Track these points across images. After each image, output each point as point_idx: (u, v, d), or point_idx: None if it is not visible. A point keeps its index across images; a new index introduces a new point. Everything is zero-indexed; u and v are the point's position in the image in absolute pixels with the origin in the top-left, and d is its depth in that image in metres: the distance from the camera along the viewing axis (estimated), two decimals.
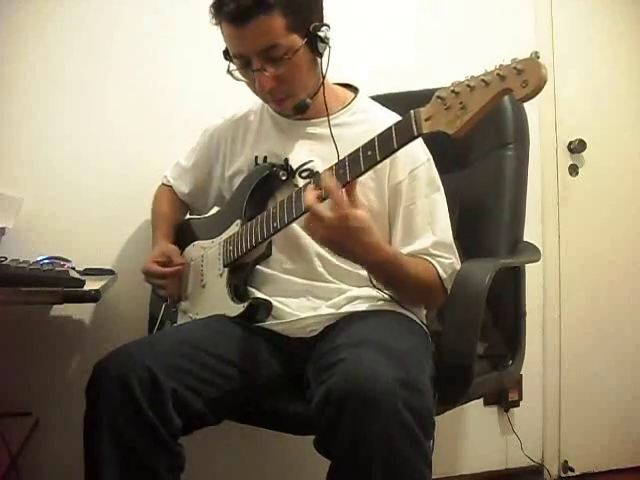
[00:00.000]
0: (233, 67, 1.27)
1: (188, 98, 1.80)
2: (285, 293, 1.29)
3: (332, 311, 1.25)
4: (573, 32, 2.16)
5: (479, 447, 2.09)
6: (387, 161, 1.12)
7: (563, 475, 2.16)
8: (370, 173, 1.13)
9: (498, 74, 0.92)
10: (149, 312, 1.54)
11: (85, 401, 1.08)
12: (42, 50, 1.72)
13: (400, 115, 1.28)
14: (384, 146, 1.05)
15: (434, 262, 1.24)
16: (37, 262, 1.43)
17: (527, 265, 1.53)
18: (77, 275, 1.29)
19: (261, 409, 1.25)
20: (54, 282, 1.17)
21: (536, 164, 2.03)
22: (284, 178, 1.32)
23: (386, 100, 1.44)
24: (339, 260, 1.28)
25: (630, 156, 2.24)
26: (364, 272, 1.26)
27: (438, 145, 1.13)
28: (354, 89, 1.40)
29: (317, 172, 1.28)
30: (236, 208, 1.36)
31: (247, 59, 1.22)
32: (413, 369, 1.01)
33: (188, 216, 1.62)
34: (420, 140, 1.08)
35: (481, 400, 2.05)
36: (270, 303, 1.27)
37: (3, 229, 1.60)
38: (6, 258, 1.37)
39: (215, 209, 1.58)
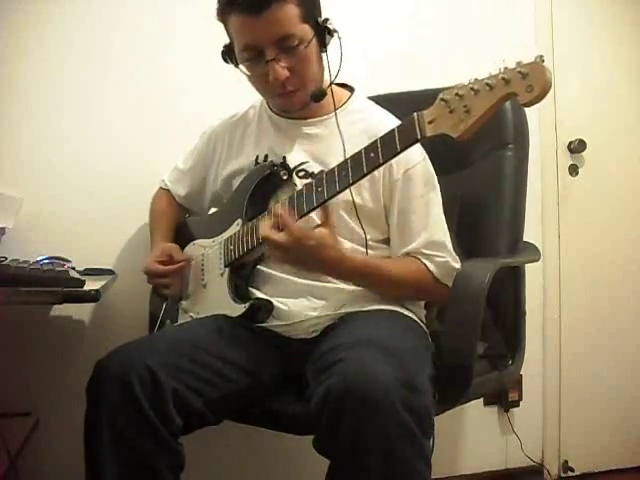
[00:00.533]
0: (240, 61, 1.26)
1: (188, 98, 1.80)
2: (285, 293, 1.29)
3: (332, 311, 1.25)
4: (573, 32, 2.16)
5: (479, 447, 2.09)
6: None
7: (563, 475, 2.16)
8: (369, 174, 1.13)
9: (503, 78, 0.92)
10: (149, 312, 1.54)
11: (85, 401, 1.08)
12: (42, 50, 1.72)
13: (397, 116, 1.30)
14: (387, 148, 1.06)
15: (425, 260, 1.25)
16: (37, 262, 1.43)
17: (527, 265, 1.53)
18: (77, 275, 1.30)
19: (261, 409, 1.24)
20: (54, 282, 1.17)
21: (536, 164, 2.03)
22: (285, 177, 1.32)
23: (385, 100, 1.44)
24: None
25: (630, 156, 2.24)
26: None
27: (438, 145, 1.13)
28: (350, 89, 1.40)
29: (312, 172, 1.29)
30: (237, 207, 1.35)
31: (259, 51, 1.22)
32: (412, 369, 1.01)
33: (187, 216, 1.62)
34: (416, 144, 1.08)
35: (481, 400, 2.05)
36: (271, 303, 1.27)
37: (3, 229, 1.60)
38: (6, 258, 1.37)
39: (214, 209, 1.58)
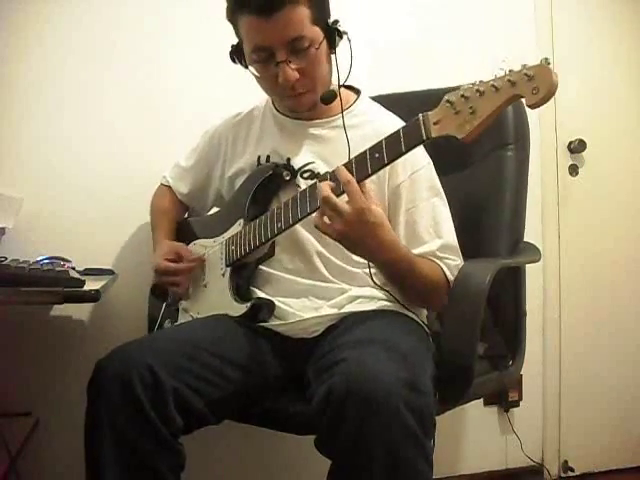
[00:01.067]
0: (250, 62, 1.26)
1: (188, 98, 1.80)
2: (287, 293, 1.29)
3: (334, 311, 1.25)
4: (573, 32, 2.17)
5: (479, 447, 2.09)
6: None
7: (563, 475, 2.16)
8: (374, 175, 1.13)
9: (508, 80, 0.93)
10: (148, 312, 1.54)
11: (85, 401, 1.08)
12: (42, 50, 1.72)
13: (402, 116, 1.30)
14: (392, 149, 1.06)
15: (441, 264, 1.24)
16: (37, 262, 1.43)
17: (527, 265, 1.53)
18: (77, 275, 1.29)
19: (262, 409, 1.25)
20: (54, 282, 1.17)
21: (536, 164, 2.03)
22: (287, 178, 1.32)
23: (387, 100, 1.44)
24: (340, 260, 1.29)
25: (630, 156, 2.24)
26: (365, 271, 1.26)
27: (438, 146, 1.13)
28: (356, 91, 1.40)
29: (319, 173, 1.29)
30: (238, 207, 1.35)
31: (270, 52, 1.21)
32: (414, 369, 1.01)
33: (187, 216, 1.62)
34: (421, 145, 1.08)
35: (481, 400, 2.05)
36: (273, 303, 1.27)
37: (3, 229, 1.60)
38: (6, 258, 1.37)
39: (215, 209, 1.58)
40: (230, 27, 1.27)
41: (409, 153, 1.07)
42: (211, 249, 1.40)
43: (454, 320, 1.19)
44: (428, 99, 1.03)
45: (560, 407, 2.16)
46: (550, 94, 0.89)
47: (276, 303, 1.27)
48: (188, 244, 1.47)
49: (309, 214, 1.16)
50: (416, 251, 1.23)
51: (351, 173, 1.08)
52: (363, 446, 0.93)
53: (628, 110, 2.24)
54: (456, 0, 2.06)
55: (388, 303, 1.27)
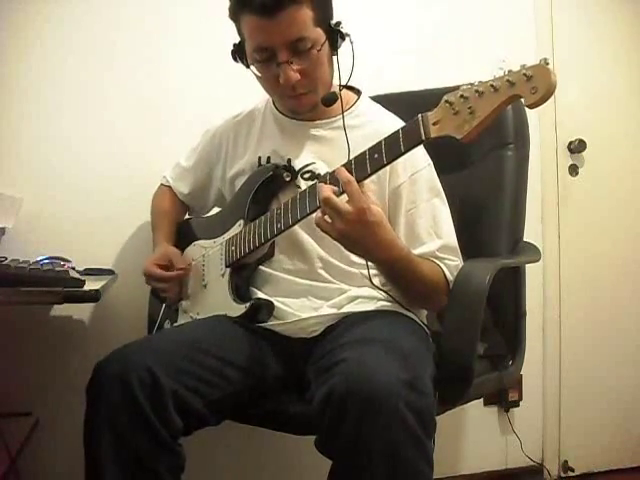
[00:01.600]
0: (252, 62, 1.26)
1: (188, 98, 1.80)
2: (286, 293, 1.29)
3: (333, 311, 1.25)
4: (573, 32, 2.17)
5: (479, 447, 2.09)
6: None
7: (563, 475, 2.16)
8: (373, 175, 1.13)
9: (507, 80, 0.93)
10: (148, 312, 1.54)
11: (85, 401, 1.08)
12: (42, 50, 1.72)
13: (402, 116, 1.30)
14: (391, 149, 1.06)
15: (441, 264, 1.24)
16: (37, 262, 1.43)
17: (527, 265, 1.53)
18: (77, 275, 1.29)
19: (262, 409, 1.25)
20: (54, 282, 1.17)
21: (536, 164, 2.03)
22: (288, 179, 1.32)
23: (387, 100, 1.44)
24: (340, 261, 1.29)
25: (630, 156, 2.24)
26: (364, 272, 1.26)
27: (438, 146, 1.13)
28: (356, 91, 1.40)
29: (319, 174, 1.29)
30: (239, 208, 1.35)
31: (271, 53, 1.21)
32: (415, 369, 1.01)
33: (188, 216, 1.62)
34: (421, 145, 1.08)
35: (481, 400, 2.05)
36: (272, 303, 1.27)
37: (3, 229, 1.60)
38: (6, 258, 1.37)
39: (215, 209, 1.58)
40: (231, 26, 1.27)
41: (409, 154, 1.07)
42: (211, 250, 1.40)
43: (454, 320, 1.19)
44: (428, 99, 1.03)
45: (560, 407, 2.16)
46: (549, 94, 0.90)
47: (275, 303, 1.27)
48: (188, 245, 1.47)
49: (309, 214, 1.16)
50: (416, 251, 1.23)
51: (351, 173, 1.08)
52: (363, 446, 0.93)
53: (628, 110, 2.24)
54: (456, 0, 2.06)
55: (388, 303, 1.27)
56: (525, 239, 1.55)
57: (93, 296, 1.17)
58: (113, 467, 1.02)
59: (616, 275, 2.20)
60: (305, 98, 1.28)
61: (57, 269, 1.29)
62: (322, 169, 1.30)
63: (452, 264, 1.25)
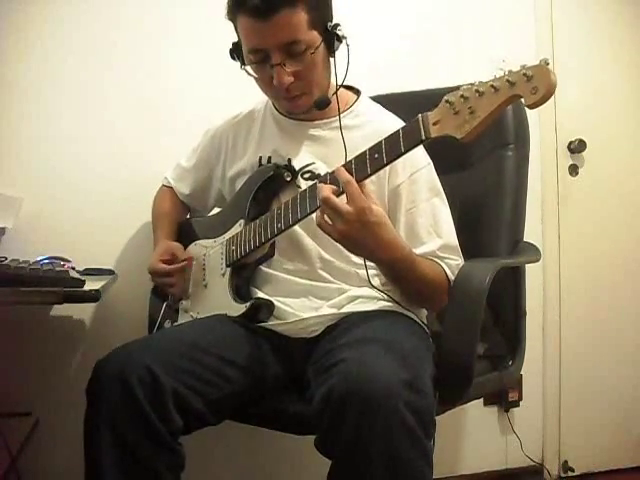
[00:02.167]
0: (247, 62, 1.26)
1: (188, 99, 1.80)
2: (286, 293, 1.29)
3: (333, 311, 1.25)
4: (573, 32, 2.17)
5: (479, 447, 2.09)
6: None
7: (563, 475, 2.16)
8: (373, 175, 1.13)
9: (507, 80, 0.93)
10: (148, 312, 1.54)
11: (85, 401, 1.08)
12: (42, 50, 1.72)
13: (402, 116, 1.30)
14: (391, 149, 1.06)
15: (442, 264, 1.24)
16: (37, 262, 1.43)
17: (527, 265, 1.53)
18: (77, 275, 1.30)
19: (262, 409, 1.25)
20: (54, 282, 1.17)
21: (536, 164, 2.03)
22: (288, 179, 1.32)
23: (387, 100, 1.44)
24: (340, 261, 1.29)
25: (630, 156, 2.24)
26: (363, 272, 1.26)
27: (439, 146, 1.13)
28: (356, 91, 1.40)
29: (319, 174, 1.29)
30: (239, 208, 1.36)
31: (265, 54, 1.21)
32: (415, 370, 1.01)
33: (188, 216, 1.62)
34: (421, 145, 1.08)
35: (481, 400, 2.05)
36: (272, 303, 1.27)
37: (3, 229, 1.60)
38: (6, 258, 1.37)
39: (216, 209, 1.58)
40: (231, 26, 1.27)
41: (409, 153, 1.07)
42: (212, 249, 1.40)
43: (454, 320, 1.19)
44: (428, 99, 1.03)
45: (560, 407, 2.16)
46: (549, 94, 0.90)
47: (275, 303, 1.27)
48: (189, 244, 1.47)
49: (309, 214, 1.16)
50: (416, 251, 1.22)
51: (351, 173, 1.08)
52: (363, 446, 0.93)
53: (628, 110, 2.24)
54: (456, 0, 2.06)
55: (388, 303, 1.27)
56: (525, 239, 1.55)
57: (93, 296, 1.17)
58: (113, 466, 1.02)
59: (616, 275, 2.20)
60: (299, 100, 1.28)
61: (57, 269, 1.30)
62: (322, 169, 1.30)
63: (453, 263, 1.25)
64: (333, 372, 0.99)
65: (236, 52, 1.28)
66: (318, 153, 1.32)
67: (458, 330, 1.18)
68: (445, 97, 1.01)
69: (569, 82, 2.08)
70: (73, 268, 1.44)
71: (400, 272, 1.17)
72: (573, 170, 2.18)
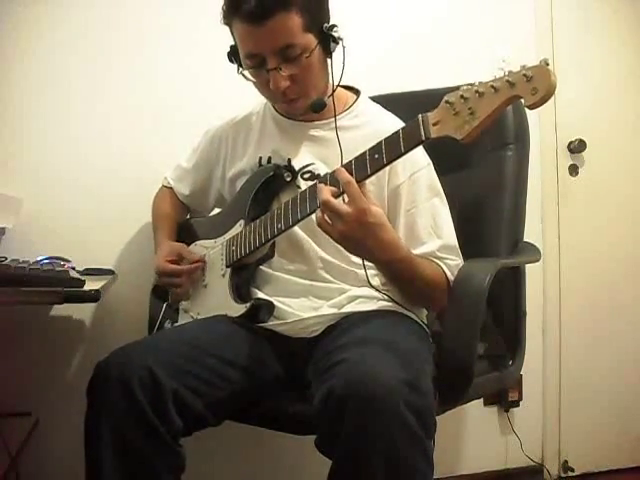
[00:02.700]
0: (244, 67, 1.26)
1: (188, 99, 1.80)
2: (286, 293, 1.29)
3: (333, 311, 1.25)
4: (573, 32, 2.17)
5: (479, 447, 2.09)
6: None
7: (563, 475, 2.16)
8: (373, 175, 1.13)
9: (507, 81, 0.93)
10: (149, 312, 1.54)
11: (85, 401, 1.08)
12: (42, 51, 1.72)
13: (402, 116, 1.30)
14: (391, 150, 1.06)
15: (442, 264, 1.24)
16: (37, 262, 1.43)
17: (527, 265, 1.53)
18: (77, 275, 1.29)
19: (262, 409, 1.24)
20: (54, 282, 1.17)
21: (536, 164, 2.03)
22: (288, 179, 1.32)
23: (387, 100, 1.44)
24: (340, 261, 1.29)
25: (630, 156, 2.24)
26: (362, 273, 1.26)
27: (438, 145, 1.13)
28: (355, 91, 1.40)
29: (319, 174, 1.29)
30: (239, 208, 1.36)
31: (261, 58, 1.22)
32: (416, 370, 1.01)
33: (188, 217, 1.62)
34: (420, 145, 1.08)
35: (481, 400, 2.05)
36: (272, 303, 1.27)
37: (3, 229, 1.60)
38: (6, 258, 1.37)
39: (216, 210, 1.58)
40: None
41: (409, 154, 1.07)
42: (212, 250, 1.40)
43: (454, 320, 1.19)
44: (428, 99, 1.03)
45: (560, 407, 2.16)
46: (549, 95, 0.90)
47: (275, 303, 1.27)
48: (189, 245, 1.47)
49: (309, 215, 1.16)
50: (416, 251, 1.23)
51: (350, 174, 1.08)
52: (363, 446, 0.93)
53: (628, 110, 2.24)
54: (456, 0, 2.06)
55: (388, 303, 1.27)
56: (525, 239, 1.55)
57: (93, 296, 1.17)
58: (113, 467, 1.02)
59: (616, 275, 2.20)
60: (297, 103, 1.28)
61: (57, 269, 1.29)
62: (321, 169, 1.30)
63: (453, 263, 1.25)
64: (333, 372, 0.99)
65: (234, 56, 1.28)
66: (318, 153, 1.32)
67: (458, 330, 1.18)
68: (445, 97, 1.01)
69: (569, 82, 2.08)
70: (73, 268, 1.44)
71: (399, 272, 1.18)
72: (573, 170, 2.18)
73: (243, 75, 1.27)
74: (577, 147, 2.14)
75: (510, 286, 1.49)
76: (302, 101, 1.28)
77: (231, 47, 1.29)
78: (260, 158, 1.38)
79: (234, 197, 1.42)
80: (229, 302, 1.29)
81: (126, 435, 1.03)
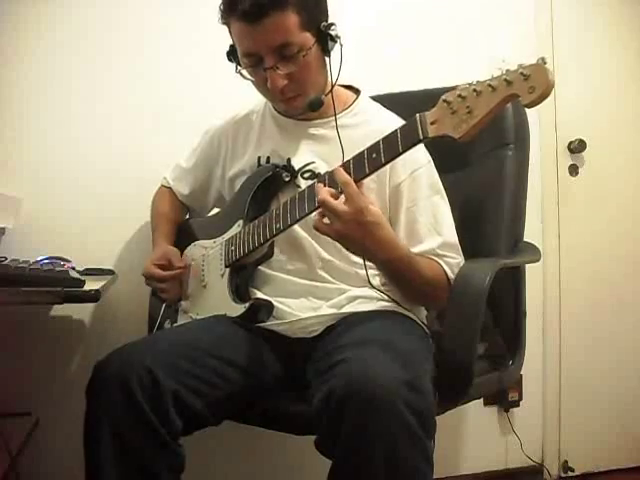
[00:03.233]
0: (242, 66, 1.26)
1: (188, 99, 1.80)
2: (286, 293, 1.29)
3: (333, 311, 1.25)
4: (573, 32, 2.17)
5: (479, 447, 2.09)
6: None
7: (563, 475, 2.16)
8: (372, 175, 1.13)
9: (505, 79, 0.93)
10: (148, 312, 1.54)
11: (85, 401, 1.08)
12: (42, 51, 1.72)
13: (401, 116, 1.30)
14: (389, 149, 1.06)
15: (442, 262, 1.24)
16: (37, 262, 1.43)
17: (527, 265, 1.53)
18: (77, 275, 1.29)
19: (262, 409, 1.24)
20: (54, 282, 1.17)
21: (536, 164, 2.03)
22: (287, 179, 1.32)
23: (386, 100, 1.44)
24: (339, 261, 1.29)
25: (630, 156, 2.24)
26: (364, 272, 1.26)
27: (438, 145, 1.13)
28: (356, 90, 1.40)
29: (319, 173, 1.29)
30: (238, 208, 1.36)
31: (258, 57, 1.22)
32: (415, 370, 1.01)
33: (188, 217, 1.62)
34: (418, 144, 1.08)
35: (481, 400, 2.05)
36: (271, 303, 1.27)
37: (3, 229, 1.60)
38: (6, 258, 1.37)
39: (216, 209, 1.57)
40: None
41: (409, 152, 1.07)
42: (211, 250, 1.40)
43: (454, 320, 1.19)
44: (427, 99, 1.03)
45: (560, 407, 2.16)
46: (546, 93, 0.89)
47: (275, 303, 1.27)
48: (188, 245, 1.47)
49: (307, 214, 1.16)
50: (416, 249, 1.23)
51: (348, 173, 1.08)
52: (363, 446, 0.93)
53: (628, 110, 2.24)
54: (456, 0, 2.06)
55: (388, 303, 1.27)
56: (525, 239, 1.55)
57: (93, 296, 1.17)
58: (113, 467, 1.02)
59: (616, 275, 2.20)
60: (295, 101, 1.28)
61: (57, 269, 1.30)
62: (322, 168, 1.30)
63: (453, 262, 1.25)
64: (333, 372, 0.99)
65: (232, 55, 1.28)
66: (318, 152, 1.32)
67: (458, 330, 1.18)
68: (442, 97, 1.00)
69: (569, 82, 2.08)
70: (73, 268, 1.44)
71: (399, 271, 1.18)
72: (573, 170, 2.18)
73: (241, 74, 1.27)
74: (577, 147, 2.14)
75: (510, 286, 1.49)
76: (300, 99, 1.28)
77: (230, 46, 1.29)
78: (259, 158, 1.38)
79: (233, 197, 1.42)
80: (228, 302, 1.29)
81: (125, 435, 1.03)
